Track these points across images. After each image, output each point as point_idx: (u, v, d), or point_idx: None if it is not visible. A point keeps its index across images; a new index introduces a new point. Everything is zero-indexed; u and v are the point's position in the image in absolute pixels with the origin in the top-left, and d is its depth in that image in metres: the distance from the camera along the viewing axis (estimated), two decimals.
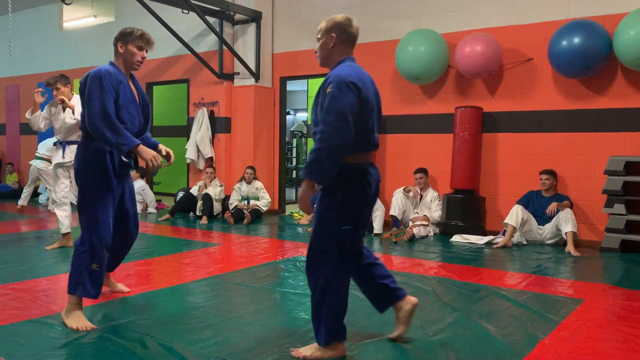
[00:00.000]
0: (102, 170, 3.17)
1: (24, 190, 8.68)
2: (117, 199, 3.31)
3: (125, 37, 3.37)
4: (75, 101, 5.27)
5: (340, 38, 2.70)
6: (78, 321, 3.02)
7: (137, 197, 8.28)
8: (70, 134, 5.37)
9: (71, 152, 5.26)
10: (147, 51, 3.39)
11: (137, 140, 3.14)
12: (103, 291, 3.57)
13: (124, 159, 3.25)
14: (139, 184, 8.32)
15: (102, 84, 3.10)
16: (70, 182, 5.38)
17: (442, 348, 2.82)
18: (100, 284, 3.16)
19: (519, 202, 6.05)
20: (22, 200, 8.56)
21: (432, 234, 6.55)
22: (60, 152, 5.33)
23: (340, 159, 2.51)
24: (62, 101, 5.06)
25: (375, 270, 2.87)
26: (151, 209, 8.52)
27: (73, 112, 5.25)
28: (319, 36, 2.76)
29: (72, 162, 5.61)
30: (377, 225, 6.56)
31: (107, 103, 3.06)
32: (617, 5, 5.90)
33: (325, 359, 2.64)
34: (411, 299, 2.92)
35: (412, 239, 6.15)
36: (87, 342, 2.82)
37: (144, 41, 3.35)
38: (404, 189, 6.72)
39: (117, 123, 3.06)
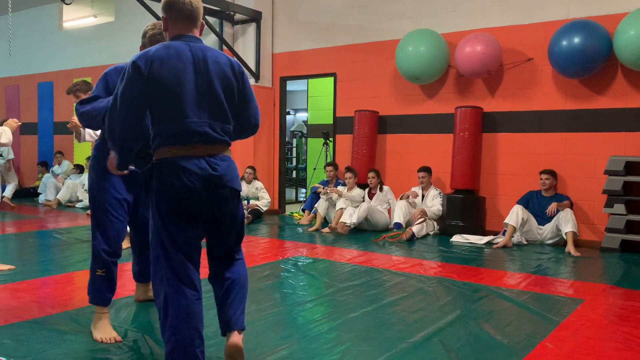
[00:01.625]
0: (107, 173, 2.96)
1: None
2: (129, 204, 3.10)
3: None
4: None
5: (170, 17, 2.39)
6: (102, 332, 2.90)
7: None
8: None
9: None
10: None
11: None
12: (117, 291, 3.57)
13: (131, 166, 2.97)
14: None
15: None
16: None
17: (442, 348, 2.81)
18: (108, 289, 2.98)
19: (519, 202, 6.05)
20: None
21: (432, 231, 6.56)
22: None
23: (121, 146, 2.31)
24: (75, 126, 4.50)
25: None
26: None
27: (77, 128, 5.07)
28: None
29: None
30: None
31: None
32: (617, 5, 5.90)
33: None
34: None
35: (412, 239, 6.15)
36: (87, 342, 2.82)
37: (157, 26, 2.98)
38: (401, 197, 6.73)
39: None
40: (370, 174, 6.98)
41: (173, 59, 2.28)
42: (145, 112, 2.31)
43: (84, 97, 5.16)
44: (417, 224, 6.36)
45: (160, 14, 2.44)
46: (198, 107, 2.30)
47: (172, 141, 2.27)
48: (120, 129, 2.28)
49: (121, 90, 2.26)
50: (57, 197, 9.12)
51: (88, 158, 7.70)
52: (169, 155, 2.27)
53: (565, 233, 5.67)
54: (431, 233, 6.54)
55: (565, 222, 5.70)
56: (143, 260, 3.33)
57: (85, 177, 9.15)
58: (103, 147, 2.93)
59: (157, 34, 2.93)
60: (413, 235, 6.20)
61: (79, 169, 9.79)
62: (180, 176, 2.25)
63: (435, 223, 6.64)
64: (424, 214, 6.44)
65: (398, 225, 6.56)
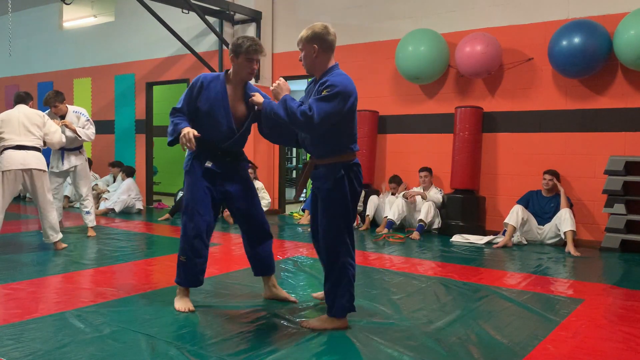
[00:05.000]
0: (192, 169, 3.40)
1: None
2: (218, 198, 3.44)
3: (236, 50, 3.33)
4: (70, 115, 5.78)
5: (322, 47, 3.00)
6: (180, 303, 3.39)
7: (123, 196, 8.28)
8: (69, 144, 5.93)
9: (68, 161, 5.97)
10: (258, 61, 3.37)
11: (182, 127, 3.25)
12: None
13: (206, 164, 3.37)
14: (126, 183, 8.36)
15: (189, 84, 3.43)
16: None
17: (442, 348, 2.81)
18: (192, 274, 3.40)
19: (519, 202, 6.05)
20: None
21: (437, 218, 6.61)
22: (59, 160, 6.01)
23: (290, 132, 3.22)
24: (67, 126, 5.80)
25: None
26: (111, 206, 8.31)
27: (75, 132, 5.86)
28: (300, 46, 3.04)
29: (72, 168, 5.94)
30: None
31: (180, 100, 3.40)
32: (617, 5, 5.90)
33: (330, 330, 2.99)
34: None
35: (421, 231, 6.41)
36: (87, 342, 2.82)
37: (253, 52, 3.32)
38: (402, 195, 6.76)
39: (177, 117, 3.33)
40: (423, 173, 6.86)
41: None
42: None
43: (61, 107, 5.86)
44: (415, 194, 6.66)
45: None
46: None
47: None
48: None
49: None
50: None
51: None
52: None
53: (564, 233, 5.67)
54: (437, 224, 6.61)
55: (564, 222, 5.70)
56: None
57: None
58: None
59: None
60: (422, 227, 6.40)
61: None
62: None
63: (439, 212, 6.66)
64: (424, 194, 6.66)
65: (390, 223, 6.58)
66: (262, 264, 3.59)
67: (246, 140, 3.51)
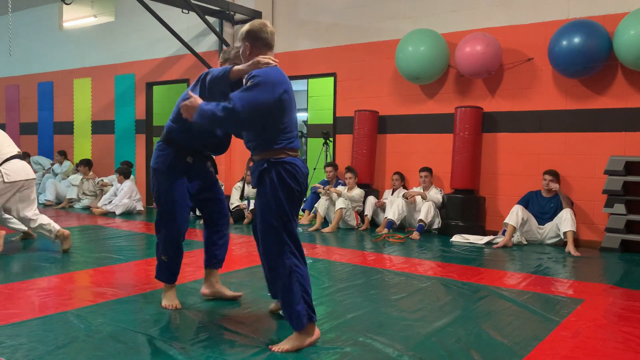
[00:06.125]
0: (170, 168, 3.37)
1: None
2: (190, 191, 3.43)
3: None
4: None
5: (254, 44, 2.92)
6: (167, 300, 3.44)
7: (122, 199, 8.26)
8: None
9: None
10: None
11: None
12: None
13: (188, 159, 3.37)
14: (127, 186, 8.33)
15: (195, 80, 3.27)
16: None
17: (442, 348, 2.81)
18: (173, 273, 3.45)
19: (519, 203, 6.05)
20: None
21: (437, 218, 6.61)
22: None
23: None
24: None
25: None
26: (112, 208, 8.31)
27: None
28: (238, 43, 3.03)
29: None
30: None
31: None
32: (617, 5, 5.89)
33: (305, 346, 2.75)
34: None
35: (421, 231, 6.40)
36: (87, 342, 2.82)
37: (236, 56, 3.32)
38: (402, 195, 6.76)
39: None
40: (423, 173, 6.83)
41: None
42: None
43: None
44: (415, 194, 6.68)
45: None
46: None
47: None
48: None
49: None
50: (67, 196, 9.11)
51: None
52: None
53: (564, 233, 5.67)
54: (437, 224, 6.60)
55: (565, 222, 5.70)
56: None
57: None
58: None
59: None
60: (422, 227, 6.38)
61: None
62: None
63: (439, 212, 6.66)
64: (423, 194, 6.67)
65: (390, 223, 6.59)
66: (215, 256, 3.60)
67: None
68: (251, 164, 2.95)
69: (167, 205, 3.35)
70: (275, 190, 2.79)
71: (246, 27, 2.94)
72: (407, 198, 6.72)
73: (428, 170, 6.78)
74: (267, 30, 2.92)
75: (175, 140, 3.35)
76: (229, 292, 3.63)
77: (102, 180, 9.04)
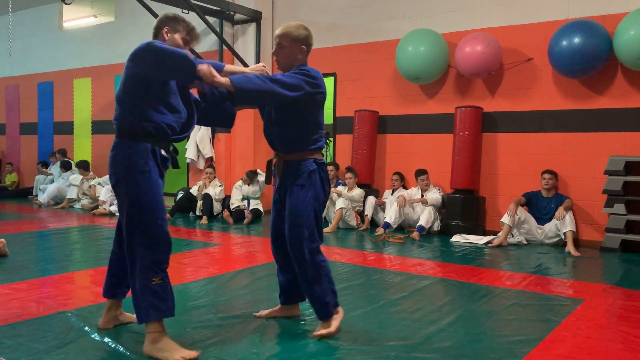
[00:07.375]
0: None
1: None
2: None
3: (173, 24, 2.83)
4: None
5: (308, 50, 3.05)
6: (176, 353, 2.57)
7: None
8: None
9: None
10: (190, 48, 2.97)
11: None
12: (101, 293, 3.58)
13: (162, 152, 2.83)
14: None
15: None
16: None
17: (442, 348, 2.81)
18: (172, 296, 2.73)
19: (523, 196, 6.09)
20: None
21: (436, 221, 6.58)
22: None
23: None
24: None
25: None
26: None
27: None
28: (285, 43, 3.00)
29: None
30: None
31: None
32: (617, 5, 5.89)
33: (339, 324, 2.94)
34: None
35: (421, 232, 6.37)
36: (87, 342, 2.82)
37: (193, 36, 2.90)
38: (397, 204, 6.74)
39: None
40: (421, 177, 6.81)
41: None
42: None
43: None
44: (416, 200, 6.66)
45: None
46: None
47: None
48: None
49: None
50: (67, 196, 9.11)
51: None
52: None
53: (564, 233, 5.67)
54: (437, 227, 6.58)
55: (564, 222, 5.70)
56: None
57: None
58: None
59: None
60: (422, 229, 6.35)
61: (66, 167, 9.72)
62: None
63: (438, 213, 6.65)
64: (423, 202, 6.61)
65: (387, 225, 6.58)
66: (126, 284, 2.88)
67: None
68: (275, 161, 3.05)
69: (154, 211, 2.65)
70: (320, 190, 2.95)
71: (302, 31, 2.99)
72: (402, 207, 6.67)
73: (425, 173, 6.76)
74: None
75: (141, 131, 2.80)
76: (129, 317, 3.03)
77: (99, 184, 8.83)
